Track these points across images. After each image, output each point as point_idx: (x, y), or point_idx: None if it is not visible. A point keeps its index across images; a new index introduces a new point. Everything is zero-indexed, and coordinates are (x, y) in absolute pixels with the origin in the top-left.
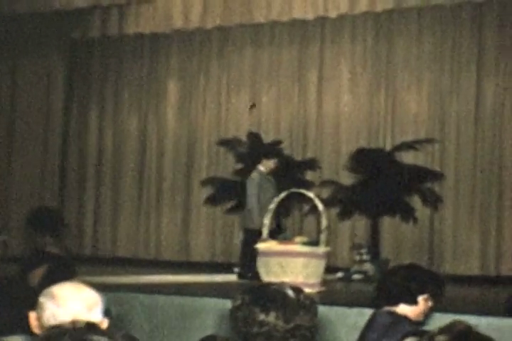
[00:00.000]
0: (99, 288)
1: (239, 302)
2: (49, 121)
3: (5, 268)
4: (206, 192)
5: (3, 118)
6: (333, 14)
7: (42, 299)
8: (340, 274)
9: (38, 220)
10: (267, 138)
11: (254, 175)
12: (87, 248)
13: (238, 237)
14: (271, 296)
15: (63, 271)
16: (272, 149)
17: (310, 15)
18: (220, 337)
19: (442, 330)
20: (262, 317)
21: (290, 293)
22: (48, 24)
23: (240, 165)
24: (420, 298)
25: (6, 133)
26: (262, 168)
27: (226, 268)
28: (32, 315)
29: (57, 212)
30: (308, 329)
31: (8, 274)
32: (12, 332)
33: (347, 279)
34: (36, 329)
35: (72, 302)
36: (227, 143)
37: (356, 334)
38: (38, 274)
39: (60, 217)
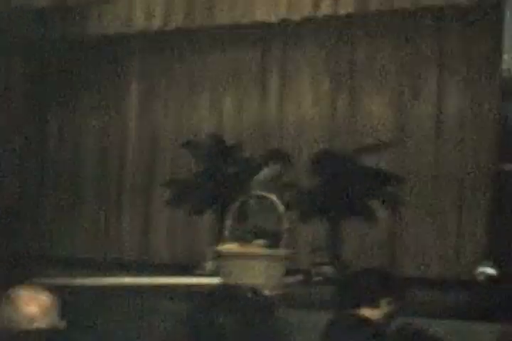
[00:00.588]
0: (57, 289)
1: (198, 305)
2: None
3: None
4: (168, 193)
5: None
6: (296, 17)
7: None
8: (300, 277)
9: None
10: (229, 140)
11: None
12: (46, 248)
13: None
14: (231, 299)
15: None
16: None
17: (273, 18)
18: None
19: (393, 332)
20: (221, 320)
21: (249, 295)
22: (5, 24)
23: (201, 167)
24: (382, 301)
25: None
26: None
27: (187, 270)
28: None
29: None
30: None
31: None
32: None
33: (307, 282)
34: None
35: (27, 306)
36: (189, 145)
37: (316, 337)
38: None
39: None
